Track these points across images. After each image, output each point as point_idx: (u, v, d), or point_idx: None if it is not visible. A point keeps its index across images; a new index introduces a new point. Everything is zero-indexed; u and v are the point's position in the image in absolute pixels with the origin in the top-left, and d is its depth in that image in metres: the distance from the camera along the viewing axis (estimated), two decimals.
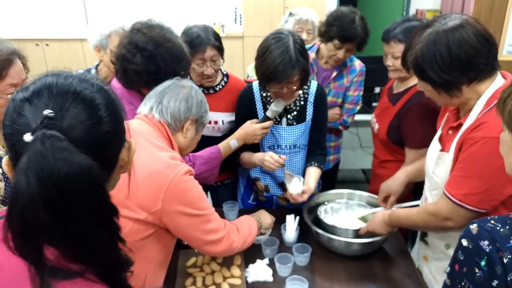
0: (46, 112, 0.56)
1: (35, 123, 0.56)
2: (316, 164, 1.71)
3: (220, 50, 1.76)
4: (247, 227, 1.37)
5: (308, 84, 1.71)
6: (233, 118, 1.87)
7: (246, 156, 1.74)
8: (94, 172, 0.56)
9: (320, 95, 1.72)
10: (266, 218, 1.54)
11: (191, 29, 1.73)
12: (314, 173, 1.68)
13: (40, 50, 4.74)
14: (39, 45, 4.72)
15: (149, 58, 1.40)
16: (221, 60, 1.78)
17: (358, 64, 2.14)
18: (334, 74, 2.11)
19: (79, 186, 0.55)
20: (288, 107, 1.70)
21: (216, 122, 1.88)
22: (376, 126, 1.82)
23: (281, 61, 1.46)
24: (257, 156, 1.66)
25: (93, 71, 1.89)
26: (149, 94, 1.29)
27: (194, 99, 1.27)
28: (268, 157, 1.59)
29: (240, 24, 4.93)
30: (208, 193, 2.14)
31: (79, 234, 0.56)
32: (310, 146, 1.78)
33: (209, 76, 1.78)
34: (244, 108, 1.74)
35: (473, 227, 0.81)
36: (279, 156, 1.60)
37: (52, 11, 4.90)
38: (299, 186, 1.58)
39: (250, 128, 1.65)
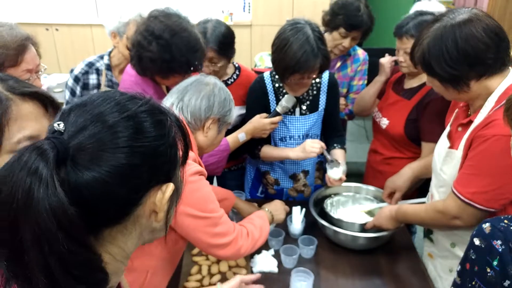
0: (56, 125, 0.52)
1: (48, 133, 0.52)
2: (339, 146, 1.76)
3: (220, 52, 1.72)
4: (259, 230, 1.31)
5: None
6: (243, 111, 1.86)
7: (270, 151, 1.72)
8: (66, 214, 0.46)
9: (333, 83, 1.73)
10: (279, 213, 1.49)
11: (205, 24, 1.74)
12: (341, 155, 1.72)
13: (50, 35, 4.74)
14: (49, 29, 4.72)
15: (165, 46, 1.40)
16: (222, 62, 1.76)
17: (361, 53, 2.13)
18: (339, 64, 2.10)
19: (36, 224, 0.45)
20: (301, 97, 1.70)
21: None
22: (385, 121, 1.79)
23: (303, 52, 1.45)
24: (292, 151, 1.64)
25: (106, 57, 1.89)
26: (172, 90, 1.27)
27: (216, 98, 1.23)
28: (309, 143, 1.60)
29: (249, 12, 4.88)
30: (214, 179, 2.15)
31: None
32: (327, 131, 1.80)
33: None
34: (256, 100, 1.73)
35: (486, 226, 0.80)
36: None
37: None
38: (339, 172, 1.63)
39: (259, 122, 1.64)
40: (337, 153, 1.72)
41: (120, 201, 0.53)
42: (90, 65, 1.88)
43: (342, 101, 2.15)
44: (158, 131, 0.56)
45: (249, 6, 4.85)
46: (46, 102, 0.77)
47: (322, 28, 2.04)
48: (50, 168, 0.46)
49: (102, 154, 0.50)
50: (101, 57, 1.90)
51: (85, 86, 1.86)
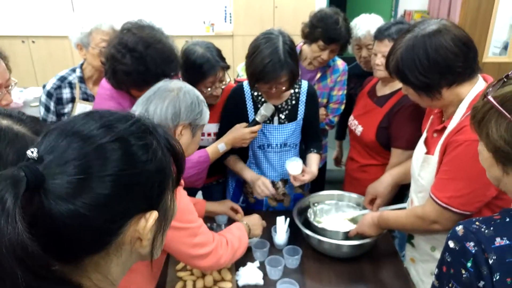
0: (29, 152, 0.48)
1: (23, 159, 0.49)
2: (315, 151, 1.80)
3: (227, 69, 1.72)
4: (238, 240, 1.33)
5: (299, 83, 1.75)
6: None
7: (234, 163, 1.77)
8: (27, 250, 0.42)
9: (312, 94, 1.76)
10: (256, 228, 1.50)
11: (195, 50, 1.64)
12: (314, 158, 1.77)
13: (26, 47, 4.64)
14: (25, 42, 4.62)
15: (139, 58, 1.39)
16: (229, 78, 1.75)
17: (340, 63, 2.16)
18: (318, 75, 2.12)
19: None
20: (279, 106, 1.71)
21: (215, 134, 1.84)
22: (360, 129, 1.82)
23: (269, 61, 1.47)
24: (250, 174, 1.72)
25: (78, 70, 1.86)
26: (137, 102, 1.23)
27: (182, 103, 1.18)
28: (261, 183, 1.65)
29: (230, 22, 4.91)
30: (200, 193, 2.13)
31: None
32: (306, 139, 1.83)
33: (218, 95, 1.75)
34: (233, 107, 1.74)
35: (459, 228, 0.83)
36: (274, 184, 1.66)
37: (39, 7, 4.81)
38: (298, 167, 1.64)
39: (239, 132, 1.65)
40: (311, 157, 1.77)
41: (97, 232, 0.50)
42: (62, 79, 1.85)
43: (322, 111, 2.17)
44: (142, 157, 0.52)
45: (230, 17, 4.88)
46: None
47: (301, 40, 2.07)
48: (14, 199, 0.43)
49: (77, 183, 0.47)
50: (73, 70, 1.87)
51: (59, 101, 1.83)
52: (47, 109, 1.83)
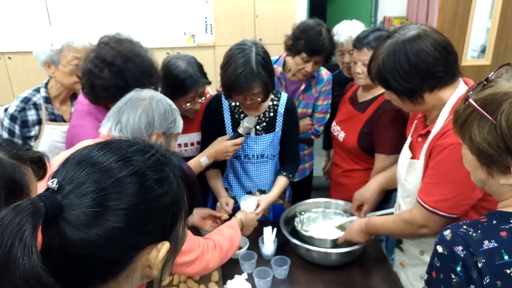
0: (49, 183, 0.51)
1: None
2: (284, 174, 1.75)
3: (208, 84, 1.71)
4: (228, 240, 1.31)
5: (278, 96, 1.73)
6: None
7: (214, 181, 1.79)
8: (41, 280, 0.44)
9: (290, 107, 1.73)
10: (249, 229, 1.53)
11: (177, 64, 1.61)
12: (280, 182, 1.73)
13: (2, 63, 4.55)
14: (1, 58, 4.53)
15: (118, 73, 1.36)
16: (209, 93, 1.73)
17: (325, 73, 2.14)
18: (303, 86, 2.10)
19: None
20: (257, 117, 1.70)
21: (198, 143, 1.83)
22: (342, 135, 1.82)
23: (241, 72, 1.46)
24: (219, 193, 1.75)
25: (42, 90, 1.74)
26: (108, 113, 1.20)
27: (155, 112, 1.16)
28: (219, 204, 1.69)
29: (211, 33, 4.92)
30: None
31: None
32: (282, 157, 1.80)
33: (197, 110, 1.74)
34: (211, 118, 1.72)
35: (447, 233, 0.82)
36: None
37: (15, 23, 4.72)
38: (252, 205, 1.64)
39: (222, 145, 1.62)
40: (278, 180, 1.75)
41: (109, 262, 0.51)
42: (26, 100, 1.72)
43: (308, 121, 2.16)
44: (157, 191, 0.53)
45: (211, 27, 4.89)
46: (40, 165, 0.71)
47: (284, 51, 2.06)
48: (32, 229, 0.44)
49: (93, 216, 0.48)
50: (37, 90, 1.75)
51: (24, 124, 1.70)
52: (11, 133, 1.70)
